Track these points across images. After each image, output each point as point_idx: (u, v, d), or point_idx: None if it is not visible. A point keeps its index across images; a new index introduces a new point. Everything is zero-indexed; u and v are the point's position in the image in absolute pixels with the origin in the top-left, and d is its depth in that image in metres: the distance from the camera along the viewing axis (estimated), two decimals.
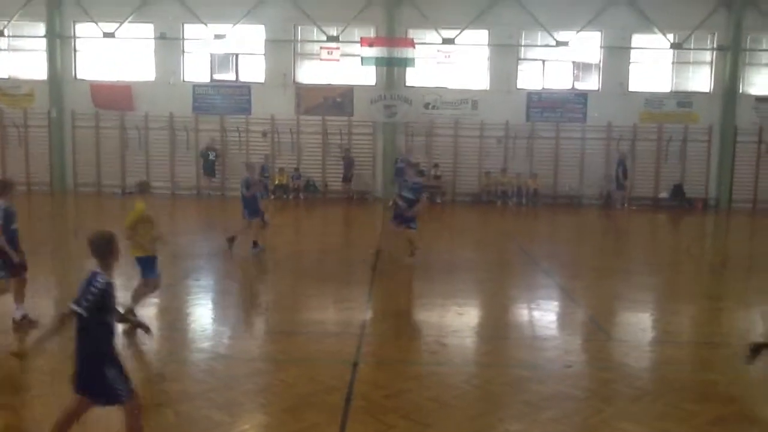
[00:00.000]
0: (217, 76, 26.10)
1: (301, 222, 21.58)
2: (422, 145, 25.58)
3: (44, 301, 10.16)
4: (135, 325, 7.74)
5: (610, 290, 11.99)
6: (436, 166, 25.16)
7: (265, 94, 25.44)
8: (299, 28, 25.67)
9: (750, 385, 7.46)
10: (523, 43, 25.57)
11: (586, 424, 6.25)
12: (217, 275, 12.82)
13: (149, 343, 8.22)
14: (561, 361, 7.92)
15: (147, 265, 8.68)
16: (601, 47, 25.41)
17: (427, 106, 25.43)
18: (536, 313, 10.56)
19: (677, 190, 25.34)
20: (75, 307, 4.73)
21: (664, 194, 25.44)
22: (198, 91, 25.68)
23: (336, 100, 25.62)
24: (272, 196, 22.69)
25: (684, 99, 25.50)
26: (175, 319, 9.71)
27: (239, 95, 25.75)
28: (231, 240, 14.18)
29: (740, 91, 25.29)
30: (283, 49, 25.53)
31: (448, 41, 24.91)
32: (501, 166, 25.31)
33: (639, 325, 9.98)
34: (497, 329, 9.49)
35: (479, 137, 25.42)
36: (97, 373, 4.82)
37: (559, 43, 24.87)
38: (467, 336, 9.06)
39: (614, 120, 25.17)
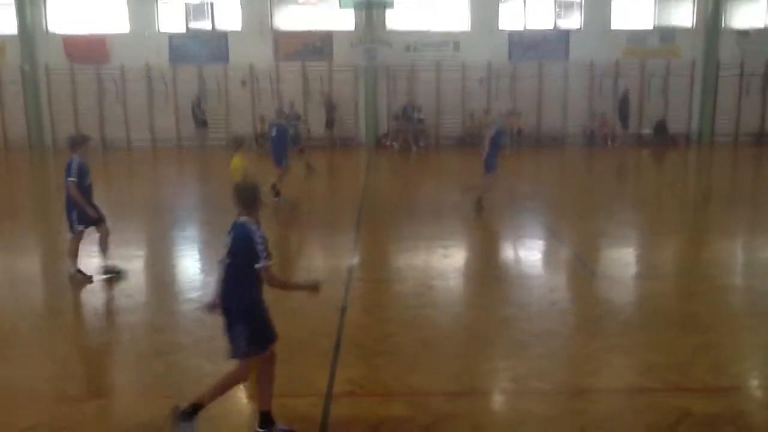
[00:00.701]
0: (192, 25, 25.51)
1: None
2: (404, 88, 25.33)
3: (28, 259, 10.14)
4: None
5: (595, 228, 12.07)
6: (419, 109, 24.99)
7: (243, 42, 24.95)
8: None
9: (729, 315, 7.62)
10: None
11: (573, 358, 6.37)
12: (201, 225, 12.78)
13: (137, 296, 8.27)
14: (547, 299, 8.03)
15: None
16: None
17: (408, 48, 25.08)
18: (522, 253, 10.65)
19: (660, 126, 25.36)
20: (264, 263, 4.68)
21: (647, 130, 25.45)
22: (174, 41, 25.12)
23: (315, 46, 25.19)
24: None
25: (666, 34, 25.30)
26: (162, 271, 9.72)
27: (216, 44, 25.24)
28: (277, 193, 13.84)
29: (723, 25, 25.09)
30: None
31: None
32: (484, 107, 25.16)
33: (623, 260, 10.09)
34: (483, 270, 9.56)
35: (461, 79, 25.18)
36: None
37: None
38: (454, 278, 9.13)
39: (597, 58, 24.97)
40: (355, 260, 9.90)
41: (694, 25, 25.28)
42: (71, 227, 8.68)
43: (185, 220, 13.20)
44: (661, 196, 16.06)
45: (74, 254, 8.73)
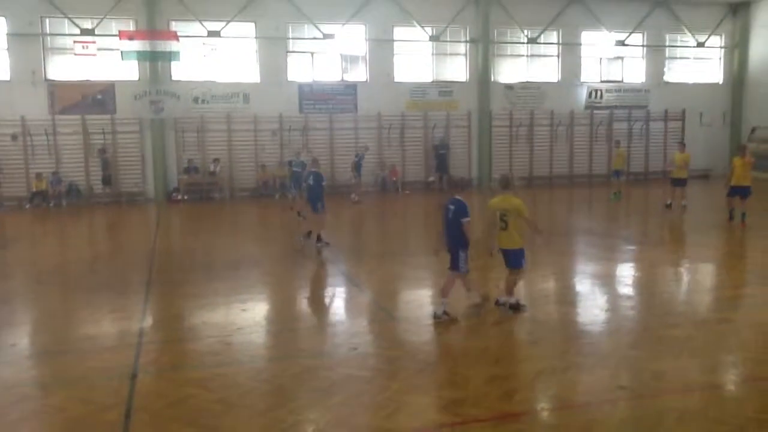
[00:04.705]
0: None
1: (66, 230, 19.85)
2: (194, 141, 24.73)
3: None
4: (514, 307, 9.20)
5: (391, 272, 12.42)
6: (216, 161, 24.55)
7: (12, 93, 22.98)
8: (47, 20, 23.47)
9: (513, 345, 8.16)
10: (290, 36, 25.66)
11: (374, 402, 6.40)
12: None
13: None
14: (347, 346, 8.06)
15: (518, 257, 9.14)
16: (366, 39, 26.27)
17: (196, 100, 24.60)
18: (322, 302, 10.66)
19: (445, 172, 26.98)
20: None
21: (432, 178, 27.01)
22: None
23: (96, 98, 23.86)
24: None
25: (444, 88, 27.29)
26: None
27: None
28: (309, 234, 14.78)
29: (492, 79, 27.60)
30: (30, 43, 23.17)
31: (213, 34, 24.26)
32: (278, 159, 25.27)
33: (417, 302, 10.43)
34: (282, 322, 9.41)
35: (254, 131, 25.14)
36: None
37: (326, 36, 25.29)
38: (252, 332, 8.86)
39: (383, 109, 26.21)
40: (146, 322, 9.30)
41: (468, 80, 27.53)
42: (461, 268, 9.05)
43: None
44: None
45: (447, 293, 9.07)
